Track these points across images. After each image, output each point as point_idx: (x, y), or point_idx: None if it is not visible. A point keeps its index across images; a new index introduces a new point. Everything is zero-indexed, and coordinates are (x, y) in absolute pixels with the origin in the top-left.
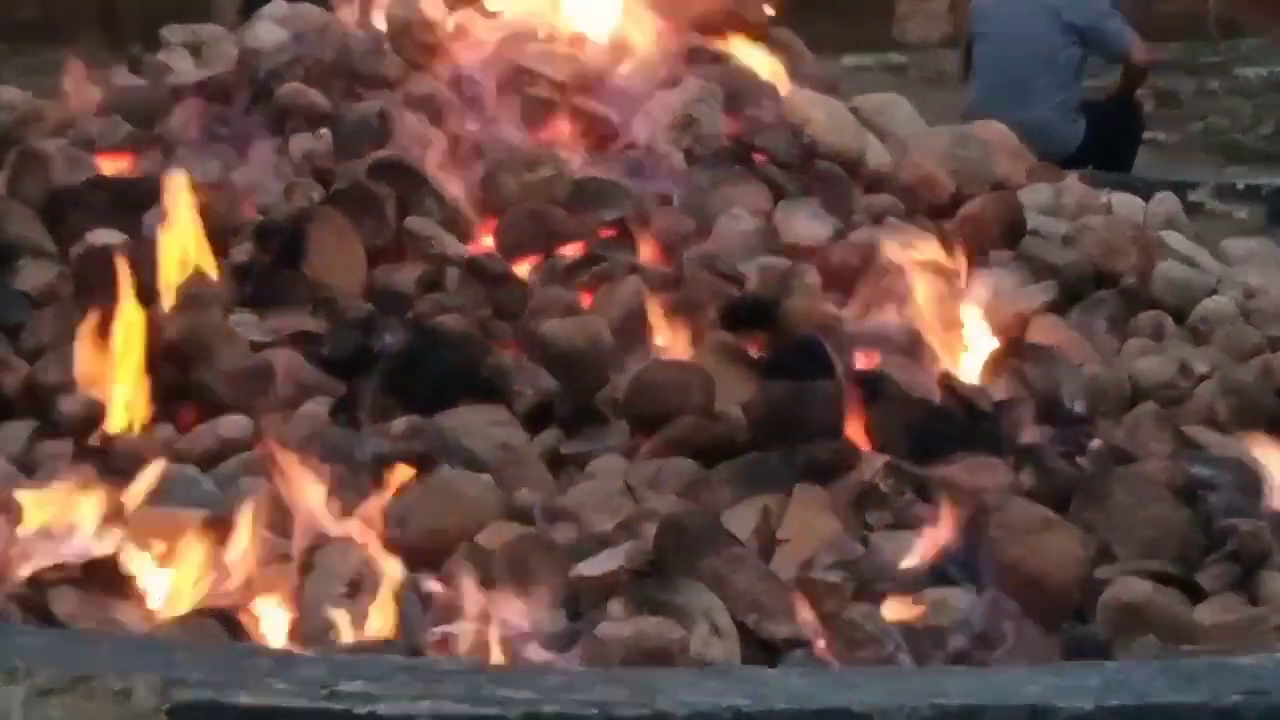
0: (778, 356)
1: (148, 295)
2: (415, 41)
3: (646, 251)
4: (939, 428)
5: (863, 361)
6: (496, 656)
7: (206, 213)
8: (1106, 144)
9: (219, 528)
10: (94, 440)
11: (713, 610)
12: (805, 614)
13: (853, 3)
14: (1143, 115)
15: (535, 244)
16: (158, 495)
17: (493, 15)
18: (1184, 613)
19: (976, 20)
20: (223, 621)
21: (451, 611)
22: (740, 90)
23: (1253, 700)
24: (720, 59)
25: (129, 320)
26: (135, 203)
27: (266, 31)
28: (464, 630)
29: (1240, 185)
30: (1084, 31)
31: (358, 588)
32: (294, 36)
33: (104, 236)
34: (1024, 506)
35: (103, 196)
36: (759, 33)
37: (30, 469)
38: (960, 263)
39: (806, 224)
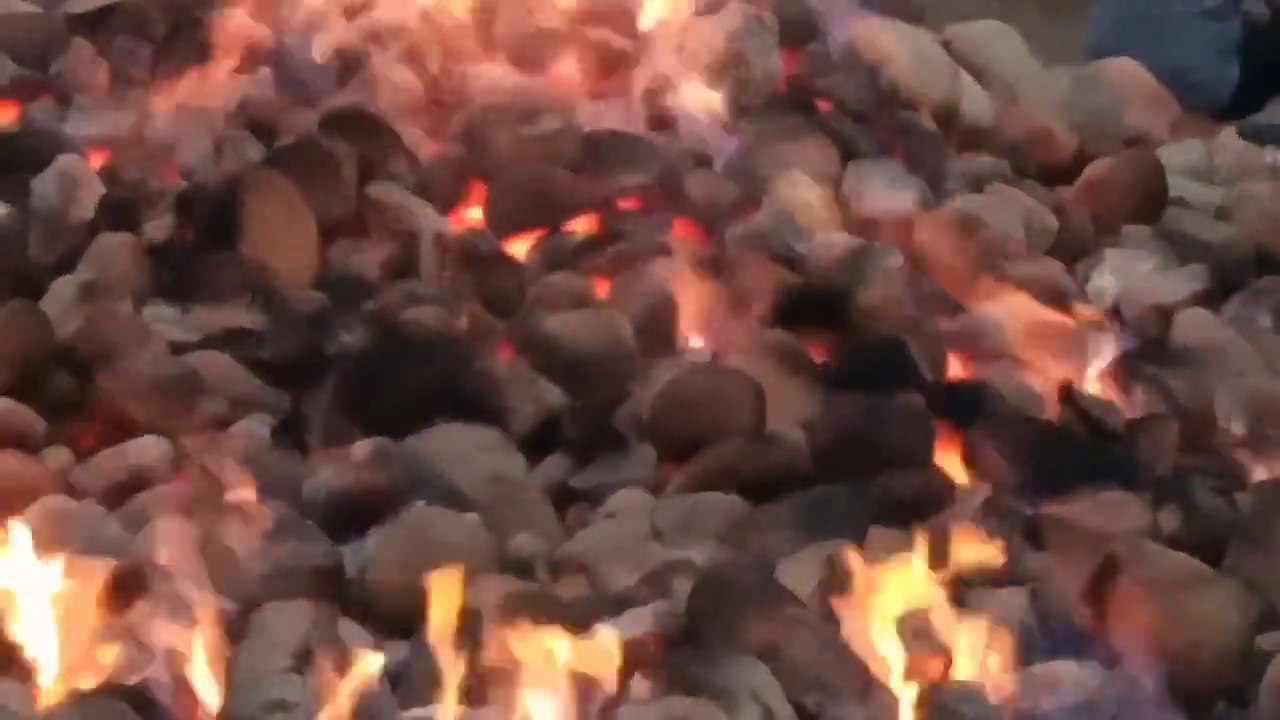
0: (849, 362)
1: (37, 282)
2: None
3: (679, 227)
4: (1056, 454)
5: (959, 369)
6: None
7: (113, 177)
8: (1274, 84)
9: (128, 581)
10: None
11: (764, 690)
12: (883, 694)
13: None
14: None
15: (535, 217)
16: (49, 539)
17: None
18: None
19: None
20: (132, 701)
21: (427, 690)
22: (800, 19)
23: None
24: None
25: None
26: (21, 163)
27: None
28: (443, 714)
29: None
30: None
31: (307, 659)
32: None
33: None
34: (1166, 556)
35: None
36: None
37: None
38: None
39: (885, 192)
